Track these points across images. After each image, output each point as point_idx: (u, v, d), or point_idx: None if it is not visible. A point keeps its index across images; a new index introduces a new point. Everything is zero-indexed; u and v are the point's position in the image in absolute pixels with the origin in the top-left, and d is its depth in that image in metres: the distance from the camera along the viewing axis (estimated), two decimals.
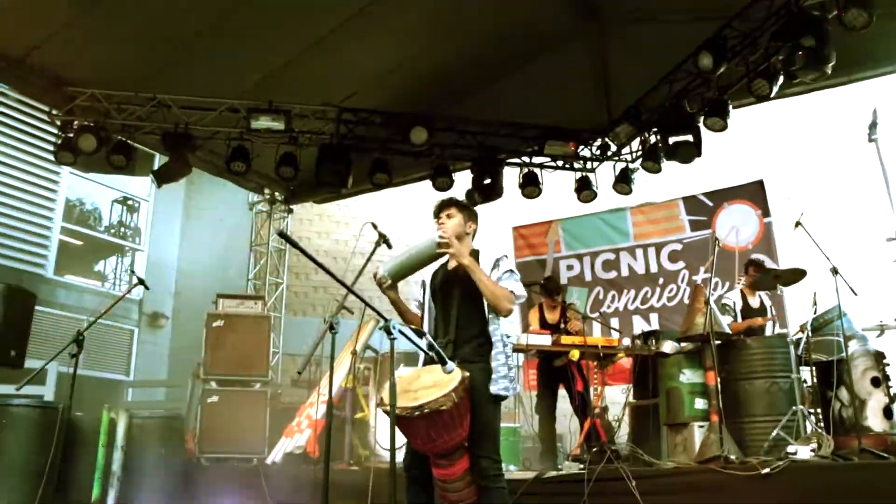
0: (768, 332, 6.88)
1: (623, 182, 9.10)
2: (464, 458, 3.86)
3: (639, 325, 9.43)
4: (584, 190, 9.21)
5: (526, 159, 9.27)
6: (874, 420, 5.81)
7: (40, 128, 10.10)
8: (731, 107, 7.74)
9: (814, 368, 6.09)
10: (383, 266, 3.83)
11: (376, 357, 7.26)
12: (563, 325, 7.15)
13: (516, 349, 6.35)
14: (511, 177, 9.17)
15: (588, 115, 9.01)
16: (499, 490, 3.90)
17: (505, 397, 3.97)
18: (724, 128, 7.70)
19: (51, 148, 8.70)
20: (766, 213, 9.22)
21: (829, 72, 6.69)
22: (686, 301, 8.93)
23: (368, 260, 3.86)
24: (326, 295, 12.22)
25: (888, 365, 6.14)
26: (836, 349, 5.93)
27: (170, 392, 11.43)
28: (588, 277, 10.10)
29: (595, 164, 9.43)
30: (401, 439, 3.93)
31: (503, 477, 3.97)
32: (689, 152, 8.11)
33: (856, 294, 5.59)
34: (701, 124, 7.95)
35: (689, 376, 6.23)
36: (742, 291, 6.94)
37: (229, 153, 8.49)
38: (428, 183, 9.07)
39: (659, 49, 8.00)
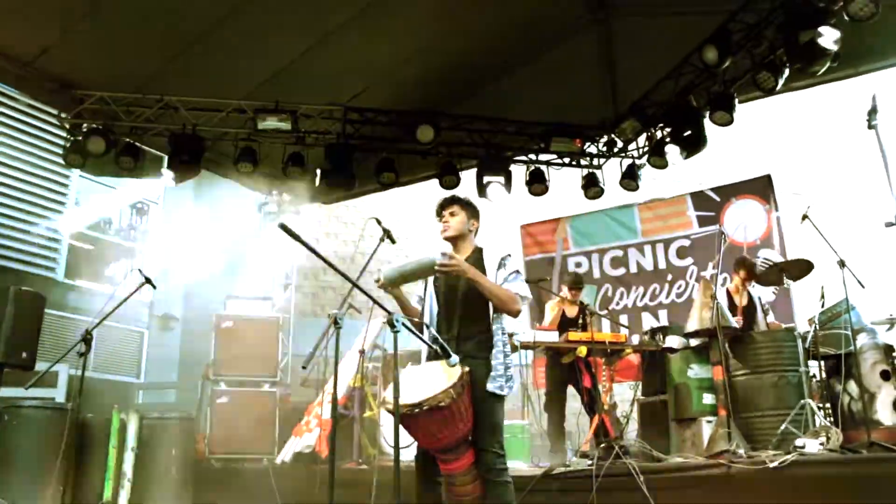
0: (763, 326, 6.86)
1: (630, 178, 9.08)
2: (469, 453, 3.88)
3: (648, 322, 9.41)
4: (591, 187, 9.19)
5: (532, 157, 9.26)
6: (884, 413, 5.79)
7: (50, 132, 10.14)
8: (737, 101, 7.72)
9: (822, 362, 6.08)
10: (385, 271, 3.85)
11: (384, 356, 7.27)
12: (580, 322, 7.14)
13: (524, 346, 6.36)
14: (518, 174, 9.16)
15: (594, 111, 8.99)
16: (503, 484, 3.91)
17: (500, 396, 3.97)
18: (730, 122, 7.69)
19: (60, 151, 8.74)
20: (774, 207, 9.19)
21: (835, 64, 6.66)
22: (695, 297, 8.91)
23: (372, 255, 3.87)
24: (336, 295, 12.24)
25: None
26: (844, 343, 5.91)
27: (180, 394, 11.47)
28: (597, 275, 10.09)
29: (602, 160, 9.41)
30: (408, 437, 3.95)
31: (507, 471, 3.98)
32: (695, 146, 8.09)
33: (863, 287, 5.57)
34: (707, 119, 7.93)
35: (696, 371, 6.24)
36: (728, 290, 6.93)
37: (237, 154, 8.53)
38: (435, 182, 9.07)
39: (665, 43, 7.98)
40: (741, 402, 5.82)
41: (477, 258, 4.19)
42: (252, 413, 7.51)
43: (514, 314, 4.07)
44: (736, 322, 6.41)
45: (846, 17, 6.17)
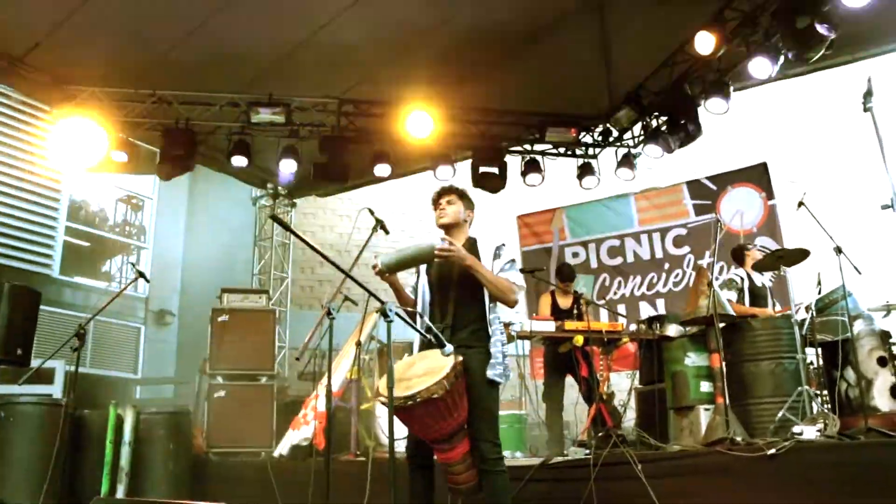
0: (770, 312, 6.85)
1: (625, 167, 9.07)
2: (464, 442, 3.88)
3: (645, 312, 9.40)
4: (587, 176, 9.19)
5: (528, 147, 9.25)
6: (881, 400, 5.77)
7: (43, 128, 10.12)
8: (732, 89, 7.70)
9: (819, 349, 6.07)
10: (382, 257, 3.82)
11: (381, 348, 7.26)
12: (575, 312, 7.13)
13: (520, 336, 6.35)
14: (513, 165, 9.15)
15: (589, 100, 8.98)
16: (499, 474, 3.91)
17: (499, 384, 3.97)
18: (725, 110, 7.67)
19: (53, 148, 8.70)
20: (770, 195, 9.17)
21: (830, 52, 6.64)
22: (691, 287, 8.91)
23: (365, 245, 3.85)
24: (332, 289, 12.19)
25: (894, 344, 6.11)
26: (841, 329, 5.89)
27: (178, 389, 11.45)
28: (594, 264, 10.07)
29: (597, 149, 9.40)
30: (403, 428, 3.95)
31: (503, 461, 3.98)
32: (690, 135, 8.08)
33: (860, 273, 5.55)
34: (703, 107, 7.91)
35: (694, 359, 6.21)
36: (747, 271, 6.90)
37: (230, 147, 8.50)
38: (430, 174, 9.05)
39: (660, 31, 7.95)
40: (739, 389, 5.81)
41: (471, 248, 4.17)
42: (249, 407, 7.50)
43: (511, 304, 4.07)
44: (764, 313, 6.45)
45: (842, 3, 6.15)
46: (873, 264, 5.81)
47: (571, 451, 5.56)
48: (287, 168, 8.64)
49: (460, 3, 7.57)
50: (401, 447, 4.20)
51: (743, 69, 7.49)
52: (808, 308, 6.14)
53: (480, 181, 8.83)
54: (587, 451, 5.26)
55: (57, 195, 10.67)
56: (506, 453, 6.40)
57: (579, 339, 6.29)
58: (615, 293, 9.85)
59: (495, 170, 8.77)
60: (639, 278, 9.75)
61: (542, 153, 9.25)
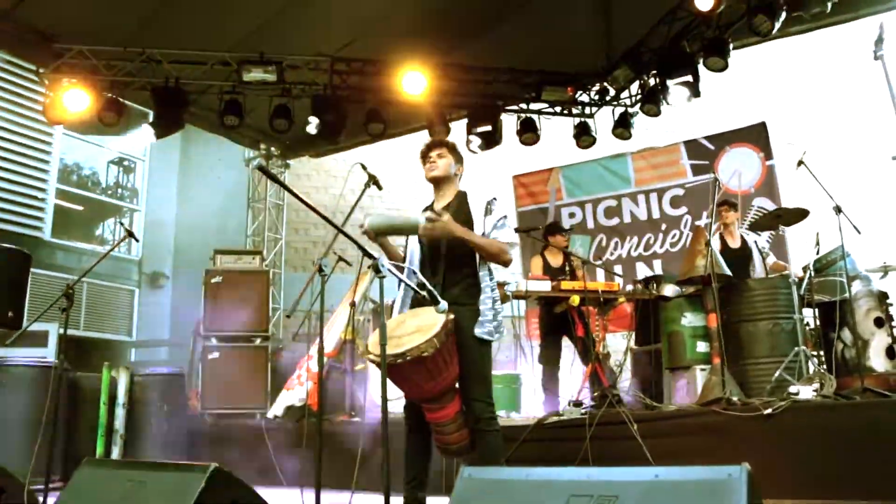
0: (759, 273, 6.81)
1: (622, 127, 8.97)
2: (454, 401, 3.84)
3: (642, 272, 9.34)
4: (583, 136, 9.09)
5: (524, 106, 9.13)
6: (877, 360, 5.78)
7: (31, 88, 9.98)
8: (731, 46, 7.58)
9: (816, 309, 6.04)
10: (371, 218, 3.75)
11: (375, 308, 7.22)
12: (567, 270, 7.08)
13: (516, 296, 6.30)
14: (509, 124, 9.04)
15: (586, 58, 8.83)
16: (493, 434, 3.88)
17: (489, 341, 3.92)
18: (724, 67, 7.56)
19: (41, 109, 8.56)
20: (768, 155, 9.08)
21: (828, 10, 6.53)
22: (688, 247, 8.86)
23: (358, 201, 3.78)
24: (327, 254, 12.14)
25: (891, 305, 6.10)
26: (839, 290, 5.86)
27: (172, 351, 11.45)
28: (590, 225, 10.00)
29: (594, 109, 9.28)
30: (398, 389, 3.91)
31: (497, 420, 3.95)
32: (688, 94, 7.96)
33: (859, 232, 5.50)
34: (701, 65, 7.78)
35: (690, 319, 6.20)
36: (721, 234, 6.84)
37: (222, 107, 8.38)
38: (425, 134, 8.94)
39: None
40: (735, 349, 5.79)
41: (461, 201, 4.11)
42: (244, 368, 7.46)
43: (506, 264, 4.01)
44: None
45: None
46: (871, 226, 5.75)
47: (567, 411, 5.54)
48: (280, 127, 8.52)
49: None
50: (396, 408, 4.19)
51: (742, 26, 7.35)
52: (805, 268, 6.10)
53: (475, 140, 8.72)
54: (583, 411, 5.23)
55: (47, 157, 10.57)
56: (501, 413, 6.41)
57: (575, 300, 6.24)
58: (612, 254, 9.79)
59: (490, 128, 8.65)
60: (636, 239, 9.69)
61: (539, 112, 9.13)
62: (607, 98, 9.19)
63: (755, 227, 6.85)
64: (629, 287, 7.17)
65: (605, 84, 9.04)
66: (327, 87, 8.47)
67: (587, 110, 9.29)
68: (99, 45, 8.10)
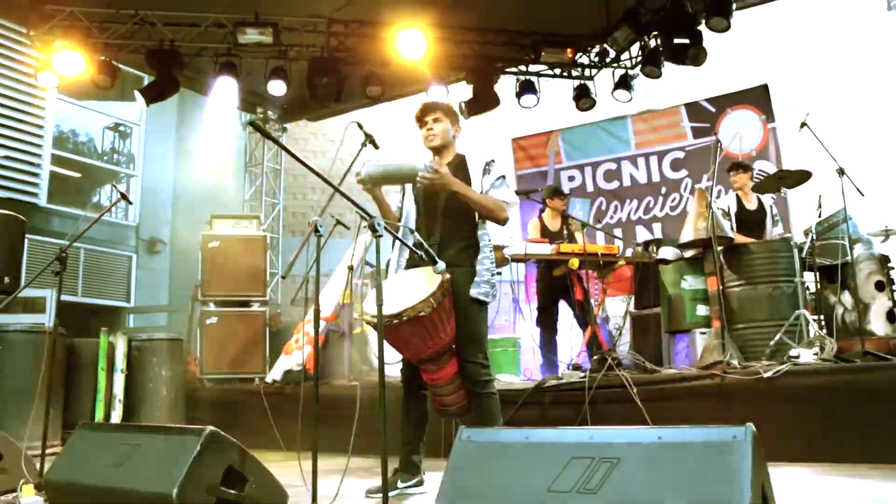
0: (771, 235, 6.75)
1: (623, 89, 8.85)
2: (452, 362, 3.81)
3: (642, 236, 9.32)
4: (583, 98, 8.97)
5: (523, 68, 9.02)
6: (877, 324, 5.78)
7: (23, 52, 9.85)
8: (734, 6, 7.45)
9: (817, 273, 6.01)
10: (367, 167, 3.67)
11: (373, 272, 7.17)
12: (565, 233, 7.03)
13: (515, 259, 6.25)
14: (508, 87, 8.93)
15: (586, 20, 8.68)
16: (489, 396, 3.86)
17: (485, 302, 3.88)
18: (726, 28, 7.44)
19: (34, 73, 8.45)
20: (770, 118, 9.00)
21: None
22: (689, 208, 8.80)
23: (355, 160, 3.71)
24: (325, 215, 12.07)
25: (892, 269, 6.08)
26: (840, 253, 5.83)
27: (171, 316, 11.45)
28: (590, 188, 9.94)
29: (594, 71, 9.16)
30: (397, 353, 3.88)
31: (493, 382, 3.93)
32: (691, 55, 7.84)
33: (862, 195, 5.44)
34: (703, 26, 7.66)
35: (690, 283, 6.18)
36: (737, 195, 6.76)
37: (217, 70, 8.26)
38: (423, 97, 8.82)
39: None
40: (735, 313, 5.76)
41: (459, 164, 4.04)
42: (242, 333, 7.45)
43: (502, 222, 3.96)
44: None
45: None
46: (873, 189, 5.69)
47: (566, 375, 5.53)
48: (276, 90, 8.41)
49: None
50: (395, 372, 4.16)
51: None
52: (807, 231, 6.06)
53: (474, 103, 8.62)
54: (582, 375, 5.22)
55: (41, 122, 10.48)
56: (499, 377, 6.42)
57: (574, 262, 6.20)
58: (611, 217, 9.74)
59: (489, 91, 8.54)
60: (635, 202, 9.63)
61: (538, 74, 9.02)
62: (607, 60, 9.05)
63: (757, 189, 6.78)
64: (629, 250, 7.12)
65: (605, 45, 8.90)
66: (324, 50, 8.35)
67: (587, 72, 9.16)
68: (91, 7, 7.96)
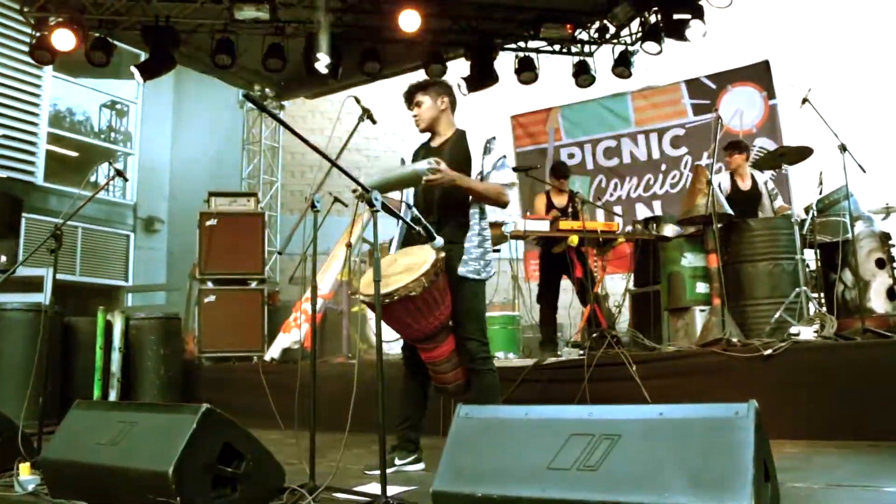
0: (768, 214, 6.71)
1: (623, 65, 8.78)
2: (448, 340, 3.79)
3: (642, 214, 9.26)
4: (582, 75, 8.90)
5: (522, 44, 8.94)
6: (877, 301, 5.75)
7: (17, 29, 9.75)
8: None
9: (818, 250, 5.97)
10: (368, 181, 3.66)
11: (372, 249, 7.14)
12: (570, 210, 6.99)
13: (513, 236, 6.22)
14: (507, 63, 8.86)
15: None
16: (487, 373, 3.84)
17: (473, 280, 3.83)
18: (728, 3, 7.37)
19: (28, 51, 8.34)
20: (771, 94, 8.93)
21: None
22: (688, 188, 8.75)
23: (352, 134, 3.67)
24: (322, 193, 12.02)
25: (893, 246, 6.04)
26: (841, 230, 5.79)
27: (169, 295, 11.43)
28: (590, 166, 9.89)
29: (593, 47, 9.09)
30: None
31: (491, 360, 3.91)
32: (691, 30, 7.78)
33: (864, 171, 5.40)
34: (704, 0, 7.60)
35: (690, 260, 6.14)
36: (731, 174, 6.72)
37: (214, 46, 8.18)
38: (422, 75, 8.75)
39: None
40: (735, 290, 5.73)
41: (458, 139, 4.00)
42: (240, 311, 7.41)
43: (503, 206, 3.94)
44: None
45: None
46: (874, 167, 5.65)
47: (565, 352, 5.51)
48: (273, 66, 8.34)
49: None
50: (395, 350, 4.14)
51: None
52: (808, 208, 6.02)
53: (472, 80, 8.55)
54: (581, 352, 5.20)
55: (37, 100, 10.41)
56: (499, 354, 6.40)
57: (574, 240, 6.16)
58: (611, 195, 9.70)
59: (487, 67, 8.48)
60: (635, 180, 9.58)
61: (537, 51, 8.94)
62: (607, 36, 8.98)
63: (757, 165, 6.74)
64: (628, 228, 7.09)
65: (605, 21, 8.82)
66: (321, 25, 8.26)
67: (586, 48, 9.09)
68: None
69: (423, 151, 4.06)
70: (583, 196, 7.20)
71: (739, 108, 8.63)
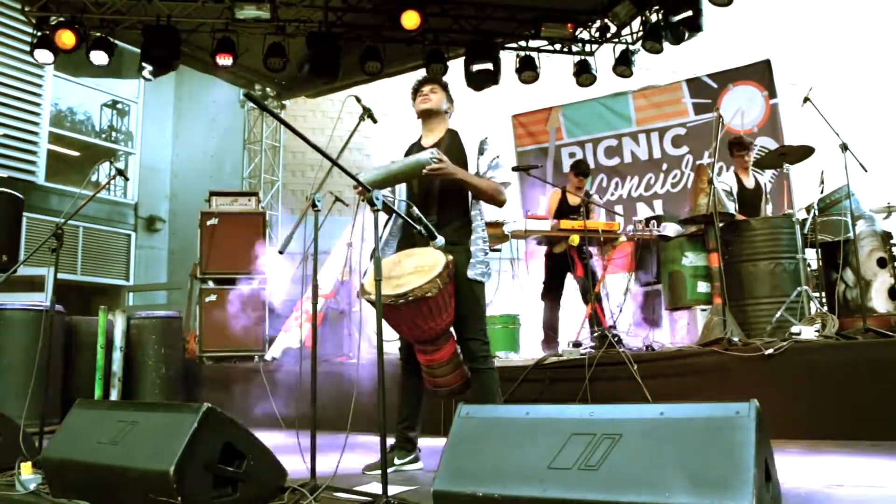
0: (769, 212, 6.70)
1: (623, 64, 8.79)
2: (450, 342, 3.78)
3: (643, 213, 9.24)
4: (583, 74, 8.92)
5: (522, 43, 8.94)
6: (879, 301, 5.74)
7: (18, 28, 9.76)
8: None
9: (819, 249, 5.97)
10: (367, 175, 3.65)
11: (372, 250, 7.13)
12: (582, 210, 6.97)
13: (515, 235, 6.22)
14: (508, 63, 8.86)
15: None
16: (489, 371, 3.83)
17: (479, 282, 3.84)
18: (729, 2, 7.37)
19: (30, 51, 8.35)
20: (772, 94, 8.91)
21: None
22: (690, 187, 8.74)
23: (352, 134, 3.65)
24: (324, 192, 12.03)
25: (894, 245, 6.03)
26: (842, 229, 5.78)
27: (170, 295, 11.43)
28: (591, 165, 9.86)
29: (594, 46, 9.08)
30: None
31: (492, 359, 3.91)
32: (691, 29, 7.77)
33: (865, 170, 5.39)
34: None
35: (691, 259, 6.13)
36: (736, 173, 6.70)
37: (214, 45, 8.19)
38: (422, 73, 8.75)
39: None
40: (737, 289, 5.73)
41: (452, 139, 4.03)
42: (241, 310, 7.40)
43: (501, 205, 3.95)
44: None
45: None
46: (875, 166, 5.64)
47: (566, 352, 5.50)
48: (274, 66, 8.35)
49: None
50: (395, 349, 4.14)
51: None
52: (809, 208, 6.01)
53: (473, 79, 8.55)
54: (583, 352, 5.19)
55: (38, 100, 10.40)
56: (500, 354, 6.40)
57: (575, 239, 6.16)
58: (612, 194, 9.68)
59: (489, 66, 8.47)
60: (636, 179, 9.57)
61: (538, 50, 8.94)
62: (608, 35, 8.99)
63: (759, 165, 6.72)
64: (629, 227, 7.08)
65: (606, 20, 8.83)
66: (322, 25, 8.27)
67: (587, 48, 9.10)
68: None
69: (416, 149, 4.07)
70: (597, 200, 7.19)
71: (740, 108, 8.62)
